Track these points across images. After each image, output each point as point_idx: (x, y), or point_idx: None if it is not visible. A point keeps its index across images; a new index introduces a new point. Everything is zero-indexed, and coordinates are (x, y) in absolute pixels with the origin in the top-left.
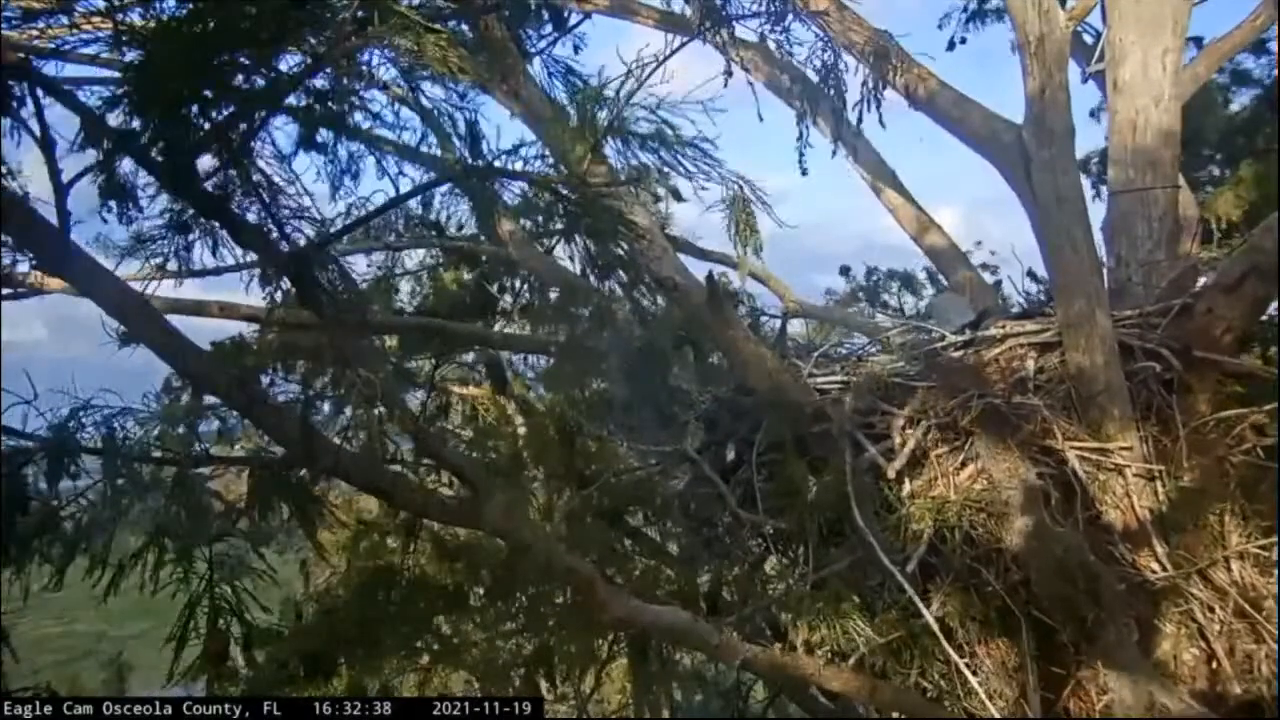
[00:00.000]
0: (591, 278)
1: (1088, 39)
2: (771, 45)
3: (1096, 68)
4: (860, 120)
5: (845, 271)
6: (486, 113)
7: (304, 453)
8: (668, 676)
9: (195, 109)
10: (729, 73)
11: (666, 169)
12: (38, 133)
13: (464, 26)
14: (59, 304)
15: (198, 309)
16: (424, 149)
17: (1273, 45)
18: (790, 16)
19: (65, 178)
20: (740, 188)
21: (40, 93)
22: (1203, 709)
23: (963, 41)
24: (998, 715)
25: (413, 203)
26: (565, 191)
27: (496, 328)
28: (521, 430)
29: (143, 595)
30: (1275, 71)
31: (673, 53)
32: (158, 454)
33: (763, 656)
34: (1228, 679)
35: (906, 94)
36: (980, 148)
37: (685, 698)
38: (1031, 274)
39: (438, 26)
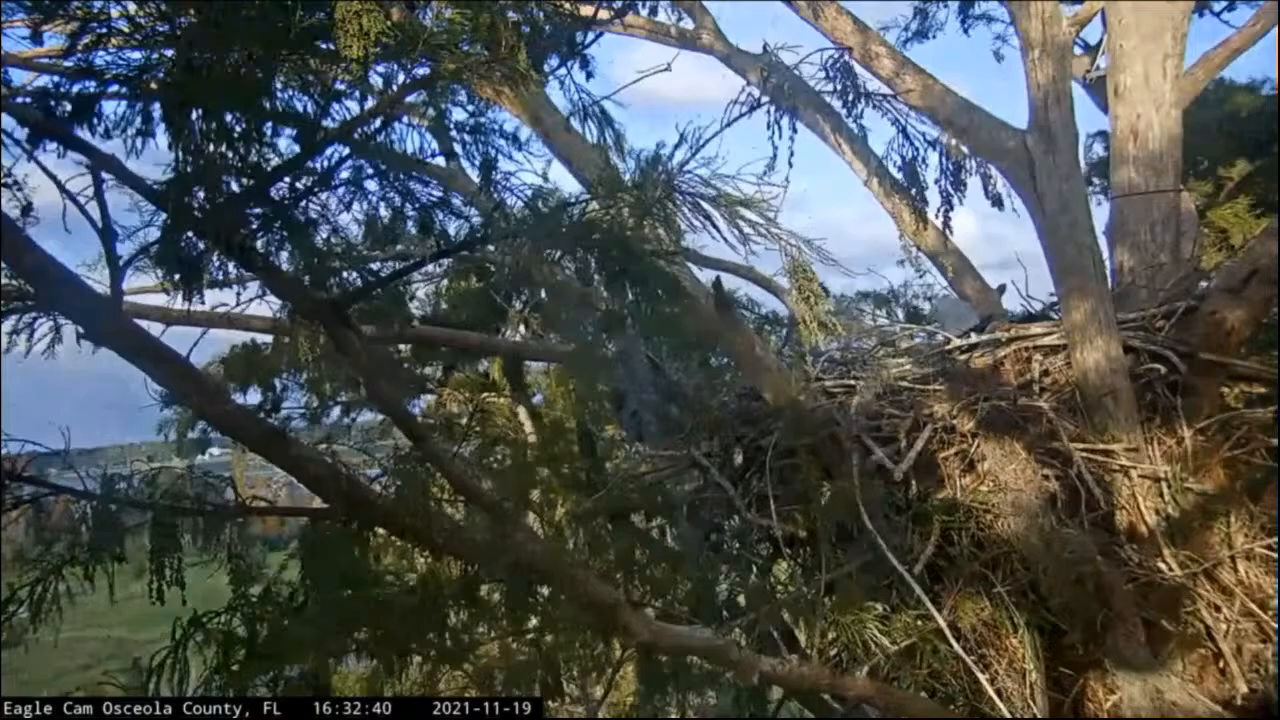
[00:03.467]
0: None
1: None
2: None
3: (1097, 74)
4: (949, 215)
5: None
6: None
7: (349, 508)
8: (678, 678)
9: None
10: (791, 153)
11: (715, 232)
12: (98, 219)
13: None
14: None
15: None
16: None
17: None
18: (864, 102)
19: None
20: (799, 250)
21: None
22: (1211, 706)
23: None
24: (1008, 715)
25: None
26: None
27: (505, 335)
28: (532, 438)
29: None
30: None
31: (728, 124)
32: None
33: (780, 669)
34: (1234, 678)
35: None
36: (986, 153)
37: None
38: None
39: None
